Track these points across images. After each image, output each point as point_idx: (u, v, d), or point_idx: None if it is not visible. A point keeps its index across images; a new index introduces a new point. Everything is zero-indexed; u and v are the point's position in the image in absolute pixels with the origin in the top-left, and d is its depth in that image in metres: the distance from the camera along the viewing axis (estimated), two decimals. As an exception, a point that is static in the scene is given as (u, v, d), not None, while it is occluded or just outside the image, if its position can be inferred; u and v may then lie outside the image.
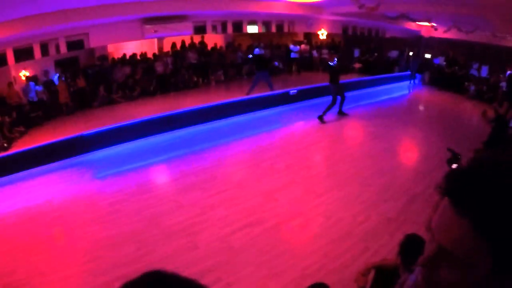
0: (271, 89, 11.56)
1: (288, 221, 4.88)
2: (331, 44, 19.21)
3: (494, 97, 11.99)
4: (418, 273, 1.14)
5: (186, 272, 3.73)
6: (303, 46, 18.70)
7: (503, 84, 11.93)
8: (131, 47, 14.59)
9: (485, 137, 7.25)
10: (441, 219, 0.78)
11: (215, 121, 9.37)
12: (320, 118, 9.51)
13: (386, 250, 4.14)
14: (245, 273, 3.86)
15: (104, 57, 13.24)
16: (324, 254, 4.16)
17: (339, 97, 9.72)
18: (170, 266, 3.89)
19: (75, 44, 11.37)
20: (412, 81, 17.59)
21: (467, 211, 0.70)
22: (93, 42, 11.66)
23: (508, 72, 12.51)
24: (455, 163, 2.56)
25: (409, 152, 8.49)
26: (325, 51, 18.48)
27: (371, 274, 2.65)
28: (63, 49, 11.12)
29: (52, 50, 11.11)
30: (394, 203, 5.44)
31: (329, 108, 9.52)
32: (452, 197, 0.75)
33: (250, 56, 15.36)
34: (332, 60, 9.65)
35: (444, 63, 17.27)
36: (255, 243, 4.36)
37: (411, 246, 2.41)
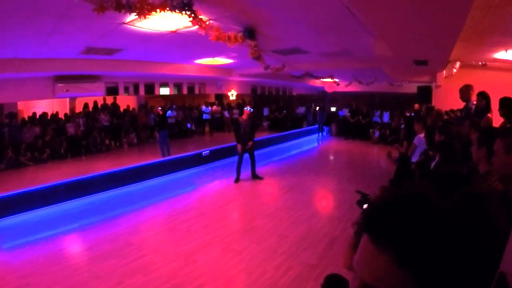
0: (168, 153, 11.77)
1: (210, 281, 4.85)
2: (241, 104, 19.94)
3: (397, 139, 13.10)
4: None
5: None
6: (214, 107, 19.25)
7: (403, 126, 13.14)
8: (42, 106, 14.18)
9: (392, 176, 7.90)
10: (362, 256, 0.79)
11: (128, 185, 9.20)
12: (236, 180, 9.77)
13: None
14: None
15: (13, 115, 12.59)
16: (248, 312, 4.19)
17: (247, 156, 9.89)
18: None
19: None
20: (320, 134, 18.72)
21: (387, 245, 0.71)
22: (2, 98, 11.08)
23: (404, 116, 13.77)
24: (365, 204, 2.77)
25: (323, 200, 8.96)
26: (236, 111, 19.11)
27: None
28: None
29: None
30: (314, 249, 5.69)
31: (238, 167, 9.76)
32: (370, 232, 0.77)
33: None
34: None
35: (349, 114, 18.59)
36: (177, 309, 4.29)
37: (332, 286, 2.53)
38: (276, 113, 20.80)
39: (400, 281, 0.71)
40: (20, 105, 13.81)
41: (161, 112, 12.57)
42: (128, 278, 4.96)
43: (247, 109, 10.01)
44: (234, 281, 4.92)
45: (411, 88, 16.47)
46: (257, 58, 8.29)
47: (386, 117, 18.26)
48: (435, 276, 0.69)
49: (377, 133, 16.85)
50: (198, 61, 12.30)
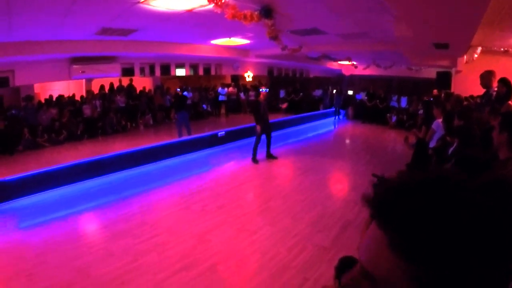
0: (189, 133, 11.72)
1: (223, 261, 4.87)
2: (257, 86, 19.80)
3: (414, 124, 12.91)
4: None
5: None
6: (230, 88, 19.15)
7: (421, 111, 12.93)
8: (58, 88, 14.24)
9: (408, 161, 7.78)
10: (364, 236, 0.75)
11: (144, 166, 9.24)
12: (253, 159, 9.74)
13: (325, 279, 4.25)
14: (182, 320, 3.78)
15: (30, 97, 12.70)
16: (262, 291, 4.18)
17: (264, 136, 9.87)
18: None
19: (0, 82, 10.84)
20: (336, 117, 18.50)
21: (386, 224, 0.67)
22: (19, 80, 11.17)
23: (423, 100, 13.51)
24: None
25: (338, 183, 8.88)
26: (252, 93, 19.00)
27: None
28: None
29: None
30: (328, 232, 5.65)
31: (255, 147, 9.72)
32: (374, 207, 0.71)
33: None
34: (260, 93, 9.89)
35: (366, 97, 18.31)
36: (192, 286, 4.29)
37: (347, 267, 2.49)
38: (293, 95, 20.61)
39: (393, 270, 0.64)
40: (37, 88, 13.91)
41: (180, 93, 12.55)
42: (142, 256, 5.00)
43: (263, 90, 9.96)
44: (248, 261, 4.92)
45: (430, 73, 16.12)
46: (274, 38, 8.17)
47: (403, 102, 17.95)
48: (448, 269, 0.60)
49: (394, 118, 16.60)
50: (214, 42, 12.20)
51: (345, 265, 2.54)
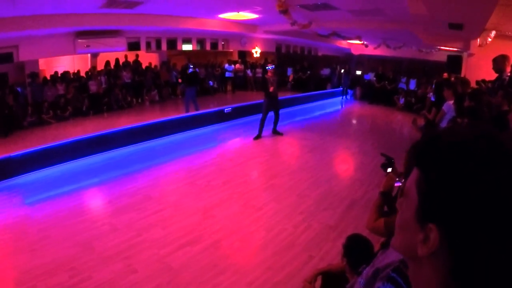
0: (196, 108, 11.64)
1: (228, 236, 4.83)
2: (264, 63, 19.54)
3: (422, 107, 12.72)
4: (366, 272, 1.15)
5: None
6: (237, 65, 18.94)
7: (431, 95, 12.74)
8: (63, 65, 14.10)
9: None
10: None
11: (149, 141, 9.18)
12: (258, 136, 9.68)
13: (331, 257, 4.22)
14: (187, 294, 3.75)
15: (35, 74, 12.60)
16: (268, 267, 4.14)
17: (272, 113, 9.85)
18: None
19: (4, 57, 10.71)
20: (344, 97, 18.30)
21: (426, 165, 0.72)
22: (23, 55, 11.07)
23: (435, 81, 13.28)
24: (389, 167, 2.63)
25: (345, 162, 8.79)
26: (259, 70, 18.81)
27: (318, 281, 2.65)
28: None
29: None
30: (334, 211, 5.60)
31: (262, 124, 9.68)
32: (420, 151, 0.75)
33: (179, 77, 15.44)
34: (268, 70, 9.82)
35: (374, 78, 18.06)
36: (196, 262, 4.25)
37: (355, 246, 2.44)
38: (300, 73, 20.36)
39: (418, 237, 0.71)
40: (42, 65, 13.75)
41: (194, 69, 12.40)
42: (146, 231, 4.97)
43: (269, 68, 9.88)
44: (253, 236, 4.88)
45: (441, 56, 15.85)
46: (284, 12, 7.99)
47: (412, 85, 17.68)
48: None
49: (402, 100, 16.36)
50: (222, 16, 11.98)
51: (354, 243, 2.48)
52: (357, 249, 2.38)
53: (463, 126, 0.82)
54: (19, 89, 12.04)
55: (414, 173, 0.75)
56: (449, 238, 0.67)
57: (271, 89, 9.47)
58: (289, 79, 19.80)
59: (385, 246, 1.21)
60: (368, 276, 1.12)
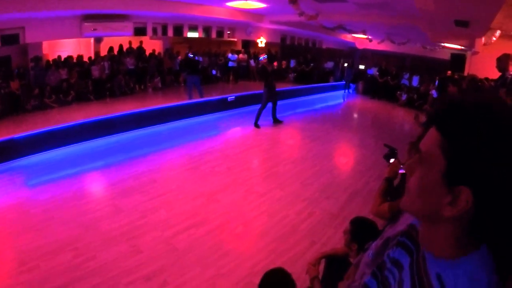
0: (201, 95, 11.65)
1: (231, 221, 4.88)
2: (268, 54, 19.49)
3: (424, 104, 12.73)
4: (375, 244, 1.17)
5: (131, 277, 3.66)
6: (241, 55, 18.87)
7: (433, 92, 12.76)
8: (67, 49, 14.02)
9: (414, 139, 7.68)
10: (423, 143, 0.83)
11: (153, 126, 9.17)
12: (255, 124, 9.75)
13: (333, 243, 4.29)
14: (192, 275, 3.77)
15: (38, 58, 12.56)
16: (270, 251, 4.19)
17: (270, 104, 9.92)
18: (113, 272, 3.77)
19: (10, 38, 10.66)
20: (346, 90, 18.27)
21: (445, 127, 0.76)
22: (30, 37, 10.99)
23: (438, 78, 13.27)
24: (392, 158, 2.65)
25: (346, 153, 8.87)
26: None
27: (322, 264, 2.68)
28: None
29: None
30: (336, 199, 5.66)
31: (260, 113, 9.74)
32: (438, 115, 0.79)
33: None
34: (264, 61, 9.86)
35: (377, 73, 18.03)
36: (200, 244, 4.29)
37: (362, 227, 2.47)
38: (303, 65, 20.31)
39: (435, 147, 0.77)
40: (45, 49, 13.66)
41: (193, 57, 12.37)
42: (150, 213, 5.00)
43: (261, 58, 9.98)
44: (256, 221, 4.92)
45: (444, 54, 15.81)
46: (293, 2, 7.97)
47: (415, 81, 17.66)
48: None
49: (404, 96, 16.35)
50: (229, 4, 11.93)
51: (360, 225, 2.50)
52: (365, 230, 2.40)
53: (478, 94, 0.86)
54: (21, 70, 12.01)
55: (434, 137, 0.79)
56: (479, 199, 0.71)
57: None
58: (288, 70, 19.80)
59: (392, 220, 1.23)
60: (377, 247, 1.13)
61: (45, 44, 13.24)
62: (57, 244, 4.27)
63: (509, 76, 5.98)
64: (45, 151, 7.38)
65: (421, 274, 0.83)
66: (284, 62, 20.44)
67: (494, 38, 9.68)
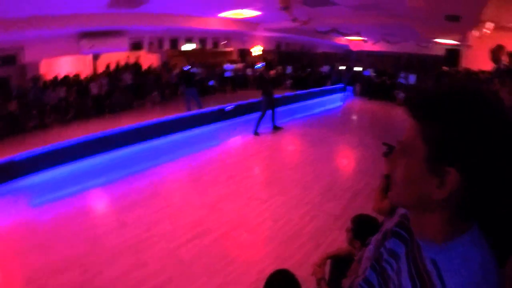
0: (200, 107, 11.73)
1: (236, 228, 4.90)
2: (265, 61, 19.55)
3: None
4: (375, 238, 1.20)
5: (139, 291, 3.65)
6: (238, 64, 18.97)
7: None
8: (65, 68, 14.12)
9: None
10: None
11: (153, 140, 9.17)
12: (255, 132, 9.79)
13: (337, 244, 4.27)
14: (199, 284, 3.79)
15: (37, 78, 12.66)
16: (276, 256, 4.21)
17: (269, 111, 9.95)
18: (120, 286, 3.78)
19: (8, 59, 10.77)
20: (344, 93, 18.29)
21: (420, 115, 0.81)
22: (28, 57, 11.15)
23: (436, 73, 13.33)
24: None
25: (347, 154, 8.93)
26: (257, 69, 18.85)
27: (328, 265, 2.70)
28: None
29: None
30: (338, 201, 5.69)
31: (259, 121, 9.77)
32: (414, 106, 0.84)
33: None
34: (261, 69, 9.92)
35: (374, 74, 18.07)
36: (205, 254, 4.31)
37: (364, 224, 2.50)
38: (299, 71, 20.38)
39: (414, 137, 0.83)
40: (42, 69, 13.77)
41: (188, 70, 12.46)
42: (155, 225, 5.03)
43: (258, 66, 10.03)
44: (260, 227, 4.94)
45: (439, 50, 15.90)
46: (286, 8, 8.05)
47: (411, 79, 17.70)
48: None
49: (401, 95, 16.39)
50: (222, 14, 12.05)
51: (362, 223, 2.51)
52: (366, 227, 2.43)
53: (439, 81, 0.91)
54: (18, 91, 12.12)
55: (412, 126, 0.84)
56: (465, 177, 0.74)
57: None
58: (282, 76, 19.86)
59: (391, 213, 1.26)
60: (377, 241, 1.16)
61: (42, 65, 13.35)
62: (64, 261, 4.29)
63: (503, 66, 6.03)
64: (47, 170, 7.37)
65: (416, 262, 0.86)
66: (279, 68, 20.49)
67: (487, 31, 9.72)
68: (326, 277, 2.59)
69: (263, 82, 9.92)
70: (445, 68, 12.48)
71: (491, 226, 0.84)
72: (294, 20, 9.36)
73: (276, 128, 10.25)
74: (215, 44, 16.24)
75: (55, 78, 13.33)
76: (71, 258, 4.34)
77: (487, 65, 7.05)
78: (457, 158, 0.74)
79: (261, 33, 16.13)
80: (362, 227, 2.46)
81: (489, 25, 9.49)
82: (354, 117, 14.18)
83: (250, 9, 11.07)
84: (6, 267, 4.39)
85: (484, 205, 0.78)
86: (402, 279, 0.89)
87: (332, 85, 18.88)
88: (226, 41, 16.61)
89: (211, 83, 18.12)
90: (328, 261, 2.73)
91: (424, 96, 0.81)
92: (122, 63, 15.98)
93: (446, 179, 0.75)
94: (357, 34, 16.34)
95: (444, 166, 0.75)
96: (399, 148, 0.88)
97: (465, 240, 0.80)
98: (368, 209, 2.66)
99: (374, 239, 1.22)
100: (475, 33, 10.11)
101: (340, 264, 2.69)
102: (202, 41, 15.70)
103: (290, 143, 9.59)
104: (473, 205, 0.78)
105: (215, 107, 11.28)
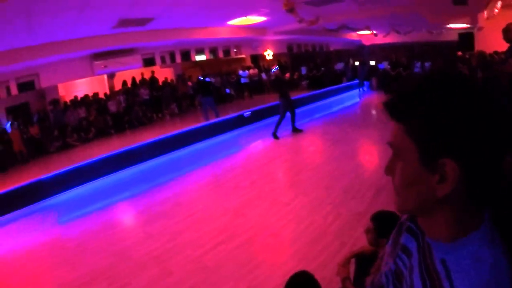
0: (217, 116, 11.79)
1: (260, 232, 4.89)
2: (279, 64, 19.57)
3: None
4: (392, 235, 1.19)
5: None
6: (251, 70, 19.01)
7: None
8: (82, 89, 14.46)
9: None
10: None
11: (174, 152, 9.34)
12: (274, 135, 9.75)
13: (362, 242, 4.18)
14: (224, 289, 3.81)
15: (56, 101, 13.00)
16: (301, 257, 4.18)
17: (289, 113, 9.92)
18: (147, 296, 3.83)
19: (26, 85, 11.12)
20: (361, 89, 18.16)
21: (401, 115, 0.80)
22: (44, 82, 11.50)
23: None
24: None
25: (368, 151, 8.79)
26: (272, 73, 18.88)
27: (352, 264, 2.65)
28: (14, 90, 10.91)
29: (1, 92, 10.86)
30: (361, 198, 5.59)
31: (279, 123, 9.75)
32: (392, 108, 0.82)
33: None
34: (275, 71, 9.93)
35: (389, 67, 17.91)
36: (230, 259, 4.32)
37: (385, 220, 2.44)
38: (314, 71, 20.32)
39: (404, 141, 0.81)
40: (61, 91, 14.15)
41: (203, 79, 12.58)
42: (179, 235, 5.07)
43: (273, 70, 10.04)
44: (284, 230, 4.91)
45: (452, 35, 15.69)
46: (291, 11, 8.06)
47: (428, 68, 17.42)
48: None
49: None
50: (230, 22, 12.14)
51: (383, 220, 2.46)
52: (388, 222, 2.36)
53: (408, 74, 0.91)
54: (40, 115, 12.43)
55: (398, 129, 0.82)
56: (463, 165, 0.73)
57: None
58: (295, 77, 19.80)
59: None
60: (393, 235, 1.15)
61: (61, 87, 13.73)
62: (92, 274, 4.38)
63: None
64: (73, 188, 7.65)
65: (427, 261, 0.85)
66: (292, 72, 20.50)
67: (496, 10, 9.53)
68: (351, 276, 2.54)
69: (280, 85, 9.90)
70: (459, 53, 12.23)
71: (503, 220, 0.82)
72: (300, 21, 9.34)
73: (295, 130, 10.20)
74: (226, 53, 16.34)
75: (75, 98, 13.63)
76: (98, 271, 4.43)
77: (502, 46, 6.91)
78: (448, 146, 0.73)
79: (271, 37, 16.18)
80: (385, 224, 2.39)
81: (498, 4, 9.29)
82: (373, 112, 14.01)
83: (256, 15, 11.10)
84: (36, 283, 4.50)
85: (490, 193, 0.77)
86: (414, 278, 0.88)
87: (348, 82, 18.78)
88: (235, 50, 16.67)
89: (227, 91, 18.23)
90: (353, 260, 2.67)
91: (399, 96, 0.80)
92: (138, 79, 16.22)
93: (445, 171, 0.74)
94: (367, 28, 16.21)
95: (439, 159, 0.74)
96: (392, 153, 0.88)
97: (475, 239, 0.78)
98: (392, 206, 2.62)
99: (392, 235, 1.21)
100: (485, 14, 9.93)
101: (365, 262, 2.63)
102: (213, 51, 15.85)
103: (310, 144, 9.54)
104: (478, 194, 0.77)
105: (234, 114, 11.35)
